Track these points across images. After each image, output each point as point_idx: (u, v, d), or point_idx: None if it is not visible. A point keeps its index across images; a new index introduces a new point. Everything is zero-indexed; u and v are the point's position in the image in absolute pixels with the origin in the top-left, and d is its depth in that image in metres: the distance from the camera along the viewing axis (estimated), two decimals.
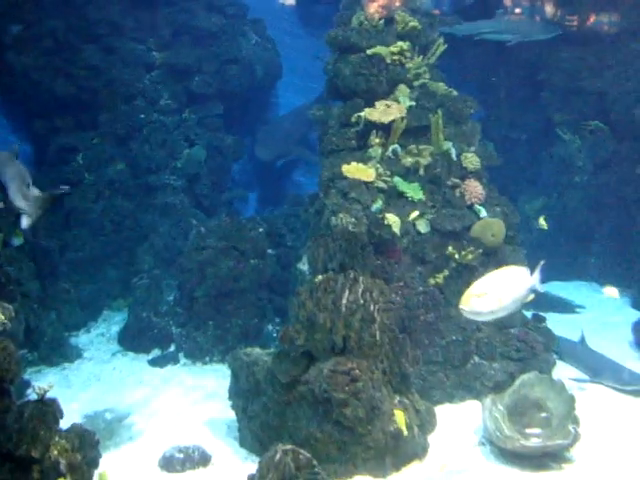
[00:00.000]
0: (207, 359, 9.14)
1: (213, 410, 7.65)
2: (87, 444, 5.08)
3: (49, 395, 4.98)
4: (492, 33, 11.41)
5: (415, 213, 7.69)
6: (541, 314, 8.74)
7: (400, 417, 5.95)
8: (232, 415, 6.92)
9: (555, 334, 8.26)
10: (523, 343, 7.56)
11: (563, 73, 12.56)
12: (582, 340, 8.57)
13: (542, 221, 8.49)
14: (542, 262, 5.79)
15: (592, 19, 12.62)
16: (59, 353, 9.22)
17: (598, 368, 7.98)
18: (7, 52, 10.92)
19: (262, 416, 6.38)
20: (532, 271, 5.80)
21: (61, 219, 11.09)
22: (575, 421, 6.24)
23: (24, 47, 10.96)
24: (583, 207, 12.38)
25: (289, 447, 4.99)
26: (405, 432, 5.90)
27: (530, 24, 12.48)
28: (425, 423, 6.35)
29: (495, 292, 5.52)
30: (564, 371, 8.03)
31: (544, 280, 5.93)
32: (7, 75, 11.06)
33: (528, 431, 6.31)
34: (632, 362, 8.24)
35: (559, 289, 11.75)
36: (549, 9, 13.04)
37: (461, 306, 5.59)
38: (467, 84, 11.09)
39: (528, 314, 8.55)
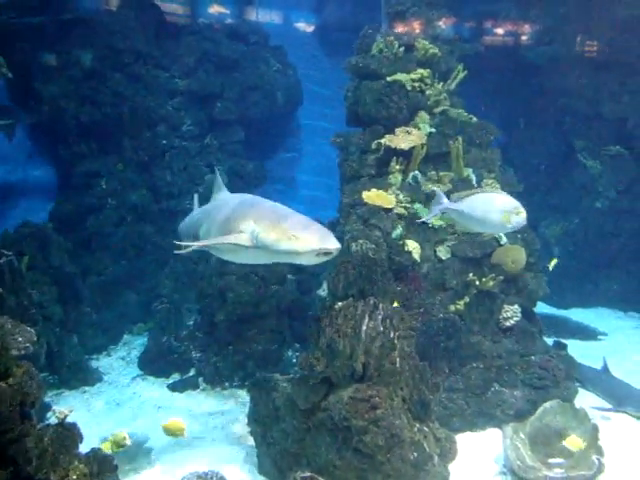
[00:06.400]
0: (227, 384, 9.11)
1: (232, 436, 7.65)
2: (106, 469, 5.07)
3: (69, 419, 5.01)
4: None
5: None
6: (562, 341, 8.67)
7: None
8: (251, 441, 6.90)
9: (577, 361, 8.19)
10: (544, 371, 7.49)
11: (584, 99, 12.60)
12: (605, 368, 8.45)
13: (552, 263, 8.42)
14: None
15: (612, 45, 12.65)
16: (80, 377, 9.27)
17: (622, 397, 7.86)
18: (36, 80, 11.14)
19: (281, 442, 6.35)
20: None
21: (84, 243, 11.22)
22: (599, 452, 6.16)
23: (52, 75, 11.19)
24: (605, 233, 12.34)
25: (308, 474, 4.97)
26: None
27: None
28: (445, 451, 6.26)
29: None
30: (587, 399, 7.93)
31: None
32: (35, 102, 11.29)
33: (551, 461, 6.24)
34: None
35: (581, 316, 11.68)
36: (569, 35, 13.09)
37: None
38: (488, 110, 11.10)
39: (549, 341, 8.49)
